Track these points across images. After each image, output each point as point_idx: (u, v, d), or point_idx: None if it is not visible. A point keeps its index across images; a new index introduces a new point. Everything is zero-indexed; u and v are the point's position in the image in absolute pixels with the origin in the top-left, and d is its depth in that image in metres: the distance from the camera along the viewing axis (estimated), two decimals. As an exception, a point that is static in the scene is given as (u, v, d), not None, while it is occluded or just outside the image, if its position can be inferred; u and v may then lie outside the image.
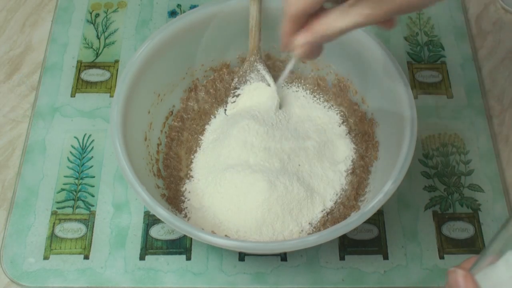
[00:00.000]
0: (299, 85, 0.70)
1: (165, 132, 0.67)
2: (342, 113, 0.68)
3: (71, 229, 0.64)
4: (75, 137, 0.70)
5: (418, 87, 0.74)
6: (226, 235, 0.58)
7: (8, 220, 0.65)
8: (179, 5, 0.82)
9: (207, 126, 0.68)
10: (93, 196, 0.66)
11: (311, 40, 0.46)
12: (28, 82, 0.75)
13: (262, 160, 0.61)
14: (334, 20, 0.45)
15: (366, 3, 0.43)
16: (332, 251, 0.63)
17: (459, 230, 0.65)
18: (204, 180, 0.62)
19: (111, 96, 0.73)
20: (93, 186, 0.67)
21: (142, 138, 0.62)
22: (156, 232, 0.64)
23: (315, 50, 0.49)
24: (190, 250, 0.63)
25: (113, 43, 0.78)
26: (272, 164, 0.61)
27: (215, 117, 0.68)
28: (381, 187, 0.53)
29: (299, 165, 0.62)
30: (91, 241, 0.64)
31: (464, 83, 0.75)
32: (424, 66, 0.76)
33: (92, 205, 0.66)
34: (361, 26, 0.44)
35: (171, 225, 0.51)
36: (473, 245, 0.64)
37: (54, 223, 0.65)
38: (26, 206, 0.65)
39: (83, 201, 0.66)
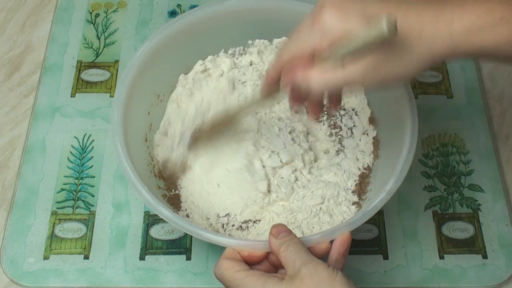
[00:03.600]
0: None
1: (165, 133, 0.67)
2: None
3: (71, 229, 0.64)
4: (75, 137, 0.70)
5: (418, 87, 0.74)
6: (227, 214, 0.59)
7: (8, 220, 0.65)
8: (179, 5, 0.82)
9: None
10: (93, 196, 0.66)
11: (292, 82, 0.46)
12: (28, 82, 0.75)
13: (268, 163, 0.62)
14: (324, 71, 0.45)
15: (362, 66, 0.43)
16: (332, 251, 0.63)
17: (459, 230, 0.65)
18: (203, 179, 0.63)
19: (111, 96, 0.73)
20: (93, 186, 0.67)
21: (143, 139, 0.62)
22: (156, 232, 0.64)
23: (300, 100, 0.51)
24: (190, 250, 0.63)
25: (113, 43, 0.78)
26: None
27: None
28: (382, 186, 0.53)
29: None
30: (91, 241, 0.64)
31: (464, 83, 0.75)
32: (424, 66, 0.76)
33: (92, 205, 0.66)
34: (348, 86, 0.45)
35: (175, 225, 0.51)
36: (473, 245, 0.64)
37: (54, 223, 0.65)
38: (26, 206, 0.65)
39: (83, 201, 0.66)
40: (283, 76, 0.48)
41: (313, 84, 0.45)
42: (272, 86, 0.51)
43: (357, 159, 0.63)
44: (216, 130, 0.61)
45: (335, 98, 0.55)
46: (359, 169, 0.63)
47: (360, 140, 0.65)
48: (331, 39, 0.44)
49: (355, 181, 0.61)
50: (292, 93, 0.50)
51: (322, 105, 0.56)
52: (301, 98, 0.51)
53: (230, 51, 0.68)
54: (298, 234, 0.59)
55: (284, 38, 0.67)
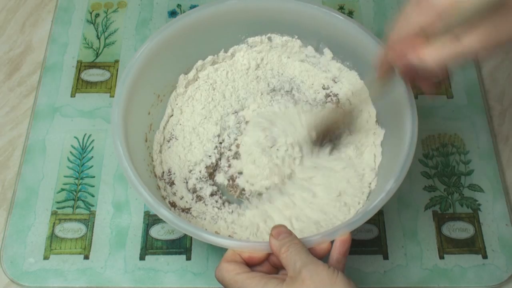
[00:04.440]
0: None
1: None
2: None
3: (71, 229, 0.64)
4: (75, 137, 0.70)
5: (418, 87, 0.74)
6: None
7: (8, 220, 0.65)
8: (179, 5, 0.82)
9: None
10: (93, 196, 0.66)
11: (407, 63, 0.46)
12: (28, 82, 0.75)
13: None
14: (439, 47, 0.43)
15: (480, 29, 0.41)
16: (332, 251, 0.63)
17: (459, 230, 0.65)
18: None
19: (111, 96, 0.73)
20: (93, 186, 0.67)
21: (143, 139, 0.62)
22: (156, 232, 0.64)
23: (415, 79, 0.49)
24: (190, 250, 0.63)
25: (113, 43, 0.78)
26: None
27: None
28: (383, 186, 0.53)
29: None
30: (91, 241, 0.64)
31: (464, 83, 0.75)
32: (424, 66, 0.76)
33: (92, 205, 0.66)
34: (466, 58, 0.43)
35: (174, 226, 0.51)
36: (473, 245, 0.64)
37: (54, 223, 0.65)
38: (26, 206, 0.65)
39: (83, 201, 0.66)
40: (395, 57, 0.47)
41: (429, 62, 0.44)
42: (385, 69, 0.51)
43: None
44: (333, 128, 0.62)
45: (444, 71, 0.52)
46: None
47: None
48: (439, 13, 0.43)
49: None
50: (407, 73, 0.49)
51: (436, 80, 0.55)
52: (416, 76, 0.50)
53: (230, 51, 0.68)
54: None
55: (286, 37, 0.67)
